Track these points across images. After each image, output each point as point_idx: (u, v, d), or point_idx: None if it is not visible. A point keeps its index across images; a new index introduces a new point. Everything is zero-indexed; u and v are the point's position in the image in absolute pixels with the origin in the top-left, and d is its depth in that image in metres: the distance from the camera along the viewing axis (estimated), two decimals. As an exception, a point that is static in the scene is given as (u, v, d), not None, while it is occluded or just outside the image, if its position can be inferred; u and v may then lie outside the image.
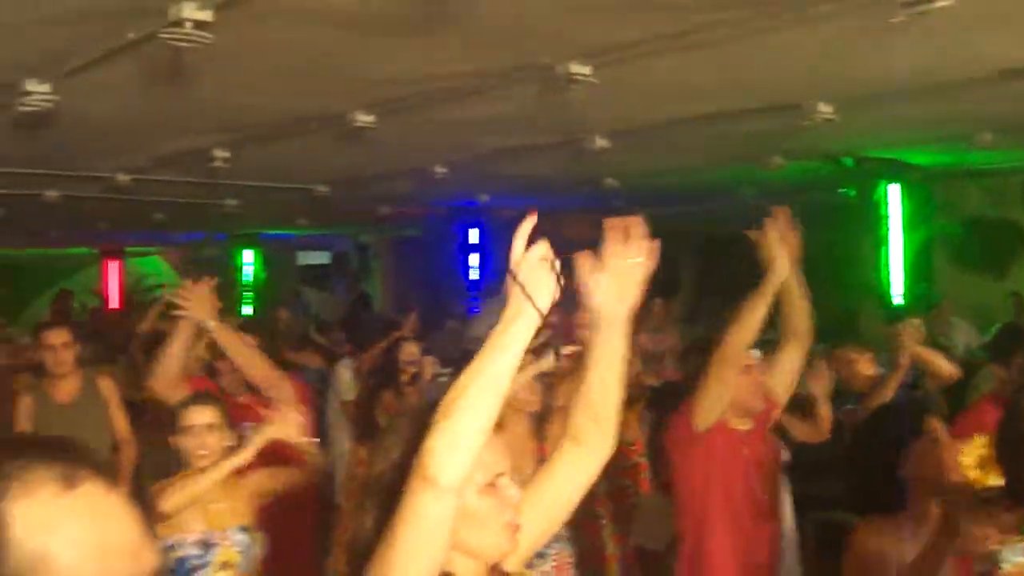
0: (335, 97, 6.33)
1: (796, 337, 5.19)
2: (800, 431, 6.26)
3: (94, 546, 1.31)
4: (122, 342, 10.88)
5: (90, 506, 1.33)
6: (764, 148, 8.91)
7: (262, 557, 4.91)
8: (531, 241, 2.33)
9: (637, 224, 2.64)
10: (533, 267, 2.31)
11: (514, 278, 2.30)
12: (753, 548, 5.16)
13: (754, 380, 5.13)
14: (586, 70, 5.38)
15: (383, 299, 19.44)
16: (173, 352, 5.38)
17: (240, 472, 4.83)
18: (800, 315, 5.08)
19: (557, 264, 2.34)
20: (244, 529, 4.80)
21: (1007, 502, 3.45)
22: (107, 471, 1.38)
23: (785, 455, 6.23)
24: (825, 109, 6.68)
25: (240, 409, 5.65)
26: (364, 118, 6.52)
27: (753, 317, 4.83)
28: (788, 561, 5.98)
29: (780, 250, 4.84)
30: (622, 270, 2.61)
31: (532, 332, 2.29)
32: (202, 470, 4.64)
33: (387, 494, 2.41)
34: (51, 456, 1.35)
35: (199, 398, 4.92)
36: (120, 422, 6.91)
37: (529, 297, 2.28)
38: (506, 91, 6.03)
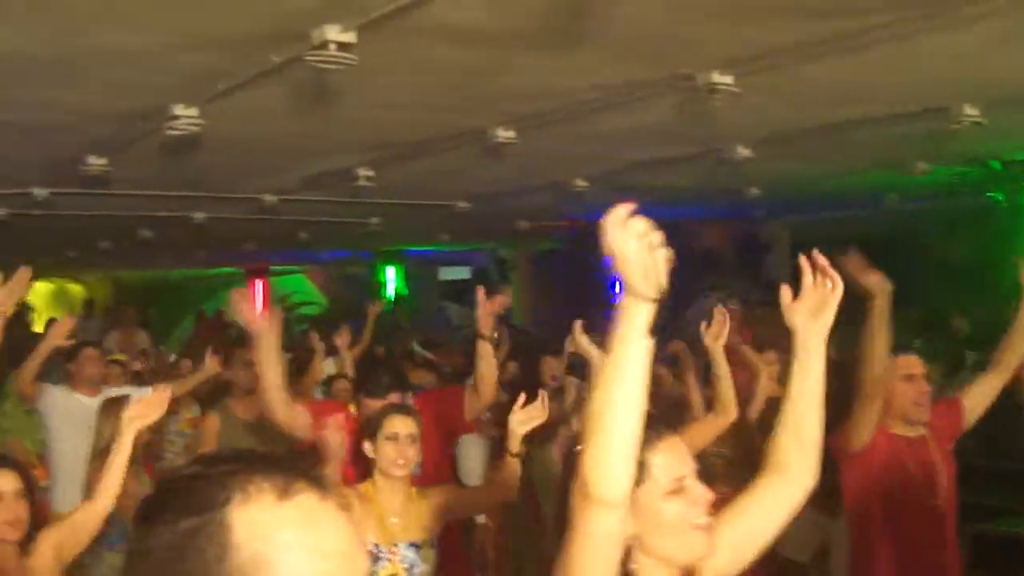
0: (476, 113, 6.36)
1: (1003, 367, 5.13)
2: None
3: (310, 551, 1.38)
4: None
5: (306, 514, 1.40)
6: (910, 153, 8.72)
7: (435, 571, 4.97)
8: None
9: (819, 256, 2.63)
10: (633, 250, 2.15)
11: (615, 268, 2.17)
12: (919, 558, 5.05)
13: (919, 388, 5.06)
14: (728, 79, 5.32)
15: (522, 313, 19.49)
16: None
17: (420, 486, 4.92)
18: (1016, 349, 5.04)
19: (658, 240, 2.17)
20: (415, 545, 4.85)
21: None
22: (321, 480, 1.45)
23: None
24: (972, 112, 6.51)
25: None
26: (505, 134, 6.55)
27: (878, 342, 4.80)
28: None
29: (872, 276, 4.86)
30: (818, 295, 2.63)
31: (648, 320, 2.17)
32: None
33: (560, 518, 2.39)
34: (270, 468, 1.42)
35: (402, 409, 5.00)
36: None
37: (634, 286, 2.14)
38: (647, 102, 6.00)
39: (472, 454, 7.98)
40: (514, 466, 4.94)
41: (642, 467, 2.42)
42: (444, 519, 5.07)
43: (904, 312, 14.82)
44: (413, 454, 4.87)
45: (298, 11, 4.17)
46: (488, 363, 5.94)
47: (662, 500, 2.45)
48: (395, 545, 4.84)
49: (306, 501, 1.41)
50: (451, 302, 21.88)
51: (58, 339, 7.17)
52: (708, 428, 5.53)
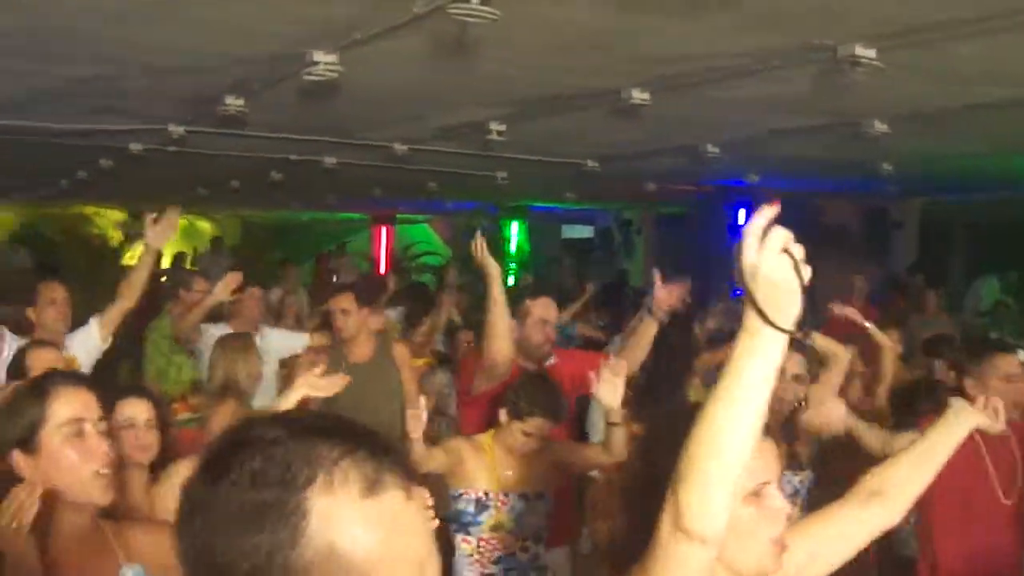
0: (611, 74, 6.33)
1: None
2: None
3: (383, 554, 1.33)
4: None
5: (389, 515, 1.35)
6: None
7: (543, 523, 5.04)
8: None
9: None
10: (772, 271, 1.84)
11: (747, 288, 1.87)
12: (987, 554, 4.97)
13: (1018, 389, 4.97)
14: (871, 53, 5.22)
15: (643, 276, 19.43)
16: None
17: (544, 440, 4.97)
18: None
19: (802, 262, 1.85)
20: (524, 496, 4.93)
21: None
22: (410, 474, 1.40)
23: None
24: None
25: None
26: (639, 95, 6.51)
27: None
28: None
29: None
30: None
31: (779, 353, 1.89)
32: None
33: (637, 504, 2.34)
34: (363, 452, 1.36)
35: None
36: (410, 386, 7.16)
37: (764, 313, 1.85)
38: (785, 72, 5.91)
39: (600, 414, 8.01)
40: (618, 433, 4.95)
41: None
42: (558, 474, 5.13)
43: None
44: (535, 447, 4.96)
45: (442, -37, 4.19)
46: (647, 340, 5.93)
47: (739, 503, 2.23)
48: (505, 495, 4.92)
49: (392, 501, 1.35)
50: (572, 259, 21.90)
51: (225, 294, 7.46)
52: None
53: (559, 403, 4.98)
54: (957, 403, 2.64)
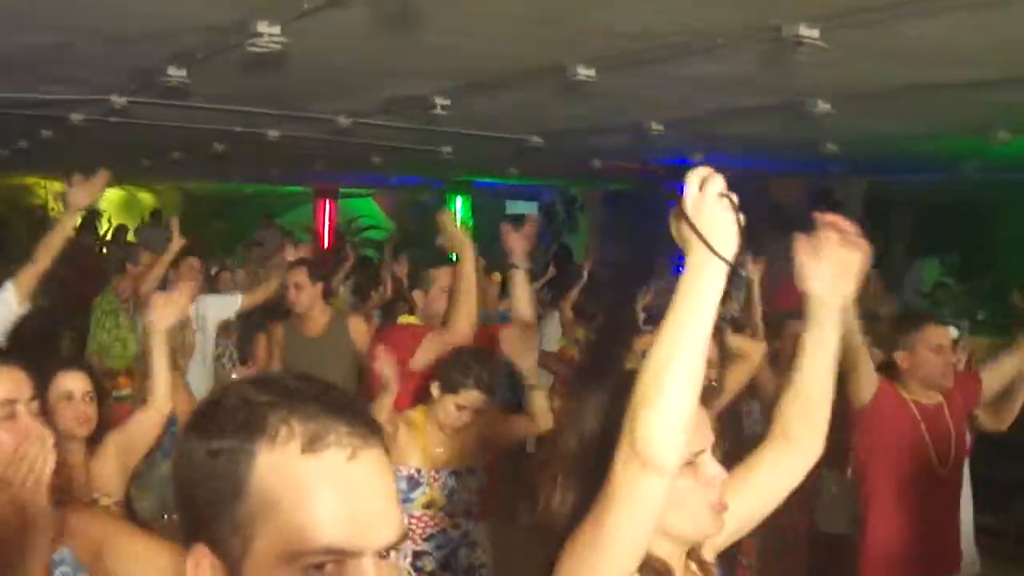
0: (558, 49, 6.32)
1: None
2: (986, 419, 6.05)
3: (319, 512, 1.38)
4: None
5: (330, 472, 1.40)
6: (992, 121, 8.59)
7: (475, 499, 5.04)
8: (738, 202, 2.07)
9: (850, 226, 2.46)
10: (711, 208, 2.07)
11: (690, 224, 2.07)
12: (923, 522, 5.05)
13: (945, 359, 5.07)
14: (814, 32, 5.24)
15: (587, 252, 19.48)
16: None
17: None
18: None
19: (735, 201, 2.08)
20: (456, 473, 4.93)
21: None
22: (364, 434, 1.43)
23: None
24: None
25: None
26: (585, 71, 6.50)
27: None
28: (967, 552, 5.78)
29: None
30: (841, 260, 2.47)
31: (722, 282, 2.07)
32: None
33: (586, 471, 2.33)
34: (313, 408, 1.42)
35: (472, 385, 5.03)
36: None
37: (709, 244, 2.05)
38: (730, 51, 5.93)
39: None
40: (538, 397, 4.97)
41: None
42: (488, 448, 5.13)
43: (972, 282, 14.65)
44: (467, 421, 4.95)
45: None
46: (523, 291, 5.93)
47: (676, 475, 2.27)
48: (437, 472, 4.91)
49: (333, 458, 1.40)
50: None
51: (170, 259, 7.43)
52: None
53: (494, 377, 4.98)
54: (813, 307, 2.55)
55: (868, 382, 4.97)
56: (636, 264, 12.54)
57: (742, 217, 2.09)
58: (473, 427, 5.02)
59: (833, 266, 2.49)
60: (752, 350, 5.84)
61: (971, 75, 6.54)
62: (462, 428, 4.99)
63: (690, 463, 2.35)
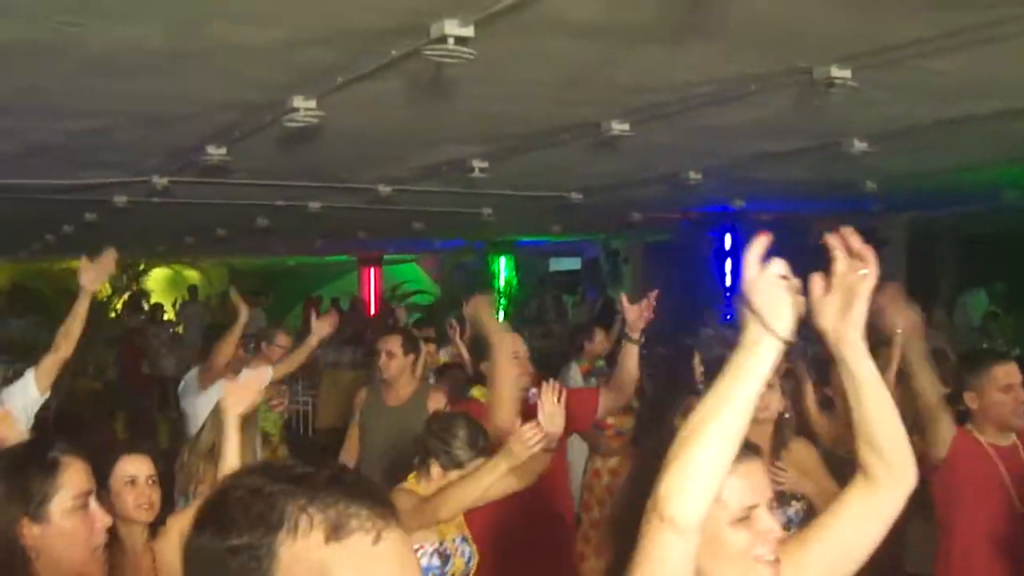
0: (591, 106, 6.37)
1: None
2: None
3: None
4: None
5: (354, 560, 1.36)
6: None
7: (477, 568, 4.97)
8: (775, 253, 2.13)
9: (853, 234, 2.36)
10: (770, 287, 2.08)
11: (748, 301, 2.09)
12: (1009, 565, 4.95)
13: (1016, 398, 4.95)
14: (846, 73, 5.25)
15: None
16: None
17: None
18: None
19: (797, 283, 2.11)
20: (464, 538, 4.87)
21: None
22: (385, 516, 1.40)
23: None
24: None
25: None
26: (619, 126, 6.54)
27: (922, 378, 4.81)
28: None
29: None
30: (848, 287, 2.37)
31: (775, 360, 2.08)
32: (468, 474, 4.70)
33: (623, 532, 2.28)
34: (332, 496, 1.38)
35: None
36: None
37: (766, 322, 2.06)
38: (763, 96, 5.94)
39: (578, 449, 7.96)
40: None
41: None
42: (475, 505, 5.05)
43: (1019, 312, 14.44)
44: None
45: (417, 6, 4.21)
46: (631, 363, 5.92)
47: (727, 527, 2.31)
48: (453, 540, 4.86)
49: (358, 544, 1.36)
50: (561, 293, 21.90)
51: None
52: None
53: (478, 434, 4.92)
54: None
55: (946, 436, 4.91)
56: (682, 312, 12.52)
57: (801, 300, 2.11)
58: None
59: (841, 296, 2.29)
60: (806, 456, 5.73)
61: (1002, 105, 6.52)
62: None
63: (743, 518, 2.33)
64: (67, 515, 2.79)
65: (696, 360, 7.46)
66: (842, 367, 2.38)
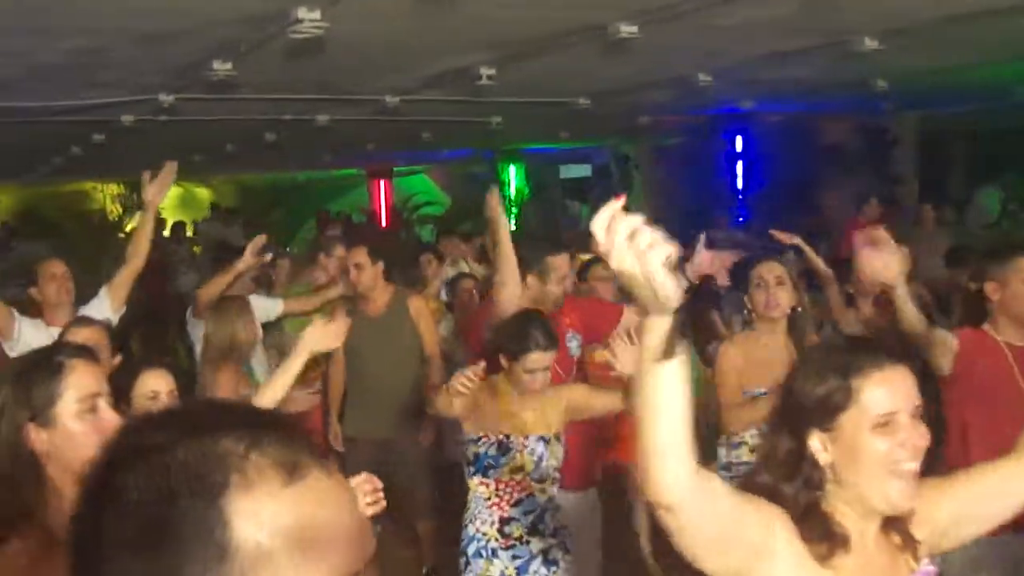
0: (598, 8, 6.29)
1: None
2: None
3: (317, 539, 1.19)
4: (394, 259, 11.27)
5: (315, 498, 1.20)
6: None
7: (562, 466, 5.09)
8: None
9: (882, 235, 2.29)
10: (630, 264, 1.84)
11: (623, 279, 1.89)
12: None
13: None
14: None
15: (645, 209, 19.34)
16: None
17: (557, 383, 5.07)
18: None
19: (648, 240, 1.84)
20: (544, 439, 4.97)
21: None
22: (320, 449, 1.24)
23: None
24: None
25: None
26: (627, 28, 6.47)
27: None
28: None
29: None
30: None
31: (669, 333, 1.93)
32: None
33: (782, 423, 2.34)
34: (269, 438, 1.20)
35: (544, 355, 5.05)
36: (429, 338, 7.21)
37: (644, 302, 1.91)
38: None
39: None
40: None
41: (849, 392, 2.31)
42: (574, 417, 5.16)
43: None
44: (544, 380, 4.99)
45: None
46: None
47: (867, 432, 2.26)
48: (525, 437, 4.96)
49: (315, 482, 1.21)
50: (574, 200, 21.86)
51: (253, 260, 7.44)
52: None
53: (546, 332, 4.99)
54: None
55: (948, 347, 4.78)
56: (694, 217, 12.49)
57: (671, 256, 1.85)
58: (560, 395, 5.08)
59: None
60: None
61: (1011, 1, 6.44)
62: (548, 396, 5.03)
63: (883, 423, 2.30)
64: (74, 418, 2.79)
65: (715, 316, 7.51)
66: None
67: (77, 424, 2.78)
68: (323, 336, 4.48)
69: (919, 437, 2.32)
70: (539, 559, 5.01)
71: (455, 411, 4.94)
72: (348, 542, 1.22)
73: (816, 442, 2.33)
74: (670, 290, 1.84)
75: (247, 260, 7.32)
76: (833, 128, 15.22)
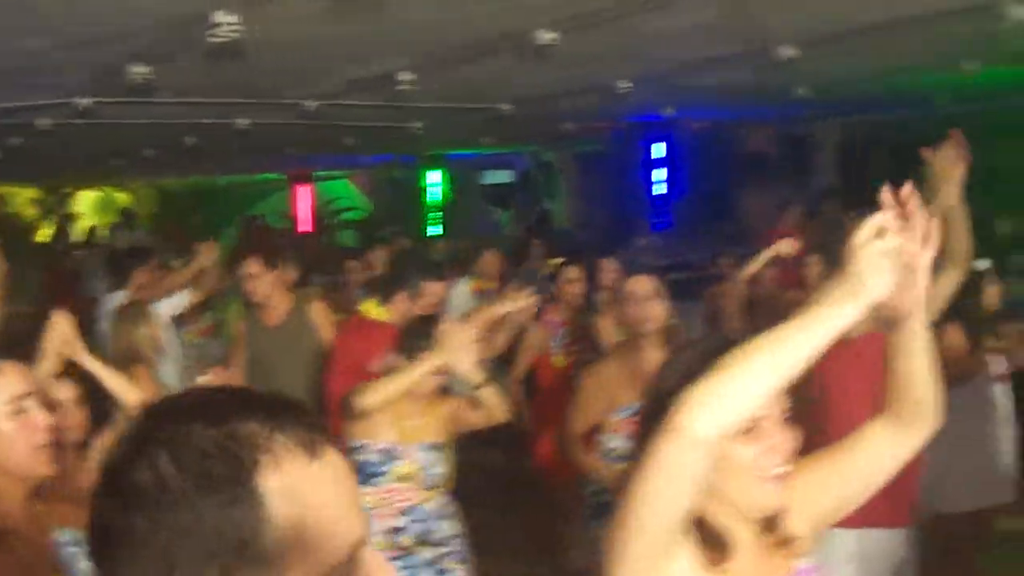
0: (518, 15, 6.30)
1: (955, 262, 4.93)
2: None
3: (339, 510, 1.28)
4: (315, 264, 11.22)
5: (332, 472, 1.29)
6: (957, 51, 8.60)
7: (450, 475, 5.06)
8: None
9: (914, 198, 2.22)
10: (877, 256, 2.10)
11: (852, 261, 2.11)
12: None
13: None
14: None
15: (567, 216, 19.44)
16: None
17: (439, 395, 5.02)
18: (962, 241, 4.71)
19: (905, 260, 2.13)
20: (432, 447, 4.94)
21: None
22: (328, 432, 1.34)
23: None
24: (1018, 11, 6.38)
25: None
26: (548, 35, 6.48)
27: None
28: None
29: (951, 175, 4.61)
30: (904, 263, 2.25)
31: (854, 320, 2.10)
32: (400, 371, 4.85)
33: (649, 424, 2.27)
34: (285, 419, 1.29)
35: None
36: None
37: (864, 285, 2.09)
38: (691, 2, 5.92)
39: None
40: (488, 393, 4.97)
41: None
42: (454, 427, 5.14)
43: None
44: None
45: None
46: None
47: (734, 440, 2.25)
48: (412, 445, 4.93)
49: (331, 457, 1.30)
50: (495, 206, 21.88)
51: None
52: None
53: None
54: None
55: None
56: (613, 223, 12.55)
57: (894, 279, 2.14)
58: (441, 404, 5.05)
59: (900, 274, 2.17)
60: None
61: (924, 8, 6.54)
62: (431, 404, 5.00)
63: (750, 430, 2.31)
64: (4, 419, 2.85)
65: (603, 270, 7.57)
66: (897, 335, 2.39)
67: (8, 424, 2.85)
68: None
69: (787, 440, 2.35)
70: (430, 569, 4.97)
71: (372, 404, 4.85)
72: (359, 512, 1.33)
73: None
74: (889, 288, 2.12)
75: (200, 261, 7.36)
76: (754, 135, 15.37)
